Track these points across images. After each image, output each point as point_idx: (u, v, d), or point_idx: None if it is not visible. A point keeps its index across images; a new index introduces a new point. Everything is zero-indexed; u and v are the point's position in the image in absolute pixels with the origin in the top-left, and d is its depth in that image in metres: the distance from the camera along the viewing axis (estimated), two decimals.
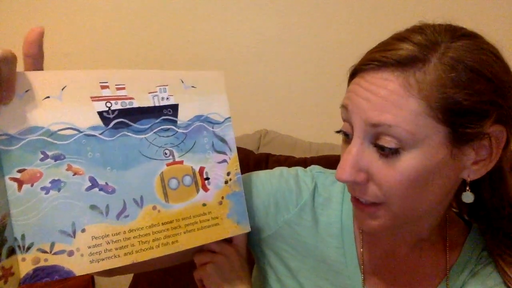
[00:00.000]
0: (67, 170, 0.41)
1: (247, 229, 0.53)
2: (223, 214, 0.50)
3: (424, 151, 0.43)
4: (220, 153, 0.51)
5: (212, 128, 0.51)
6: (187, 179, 0.48)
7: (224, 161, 0.51)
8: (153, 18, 1.35)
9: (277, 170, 0.63)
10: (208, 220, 0.49)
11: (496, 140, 0.45)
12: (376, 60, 0.44)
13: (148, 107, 0.46)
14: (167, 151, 0.47)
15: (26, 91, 0.40)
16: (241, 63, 1.32)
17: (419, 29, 0.46)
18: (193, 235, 0.47)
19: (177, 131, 0.48)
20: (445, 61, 0.42)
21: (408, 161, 0.43)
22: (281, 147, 1.19)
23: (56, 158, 0.41)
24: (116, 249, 0.43)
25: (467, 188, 0.48)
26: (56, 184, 0.40)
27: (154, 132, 0.46)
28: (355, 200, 0.49)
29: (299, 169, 0.63)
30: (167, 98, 0.48)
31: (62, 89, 0.41)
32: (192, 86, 0.50)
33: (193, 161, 0.49)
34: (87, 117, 0.42)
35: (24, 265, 0.39)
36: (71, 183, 0.41)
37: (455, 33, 0.45)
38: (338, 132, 0.50)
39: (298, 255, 0.59)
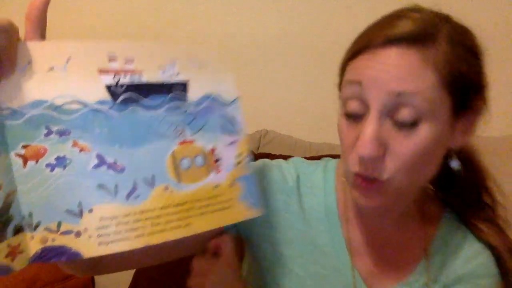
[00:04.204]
0: (72, 146, 0.39)
1: (260, 213, 0.50)
2: (235, 197, 0.47)
3: (436, 122, 0.46)
4: (230, 134, 0.48)
5: (221, 108, 0.48)
6: (199, 160, 0.46)
7: (234, 142, 0.49)
8: (153, 18, 1.34)
9: (260, 161, 0.63)
10: (221, 202, 0.46)
11: (477, 114, 0.51)
12: (386, 36, 0.46)
13: (158, 83, 0.44)
14: (178, 129, 0.44)
15: (28, 63, 0.37)
16: (241, 63, 1.31)
17: (414, 8, 0.50)
18: (206, 218, 0.45)
19: (188, 110, 0.45)
20: (450, 39, 0.46)
21: (424, 133, 0.46)
22: (281, 147, 1.19)
23: (61, 133, 0.38)
24: (126, 231, 0.40)
25: (453, 156, 0.53)
26: (61, 161, 0.38)
27: (164, 109, 0.44)
28: (359, 179, 0.49)
29: (281, 160, 0.64)
30: (177, 75, 0.45)
31: (67, 60, 0.39)
32: (201, 65, 0.47)
33: (204, 141, 0.46)
34: (94, 91, 0.40)
35: (33, 243, 0.37)
36: (77, 160, 0.39)
37: (443, 15, 0.49)
38: (346, 114, 0.49)
39: (288, 241, 0.59)
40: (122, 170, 0.41)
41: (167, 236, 0.42)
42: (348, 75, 0.50)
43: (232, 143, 0.48)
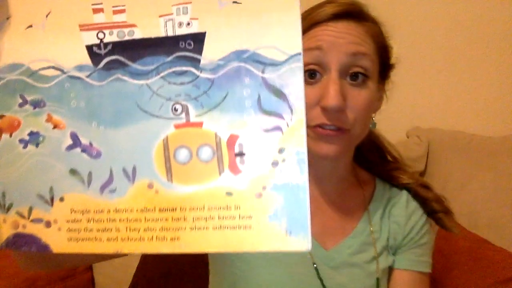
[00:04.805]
0: (46, 121, 0.33)
1: (305, 246, 0.31)
2: (261, 213, 0.31)
3: (373, 81, 0.55)
4: (271, 114, 0.31)
5: (262, 72, 0.31)
6: (206, 152, 0.31)
7: (277, 128, 0.31)
8: None
9: None
10: (233, 218, 0.31)
11: (386, 85, 0.62)
12: (334, 13, 0.54)
13: (157, 39, 0.31)
14: (178, 106, 0.31)
15: (7, 18, 0.32)
16: None
17: None
18: (203, 235, 0.31)
19: (199, 76, 0.31)
20: (374, 19, 0.57)
21: (370, 89, 0.54)
22: None
23: (36, 104, 0.33)
24: (98, 230, 0.32)
25: (373, 117, 0.61)
26: (35, 137, 0.33)
27: (162, 77, 0.31)
28: (322, 129, 0.53)
29: None
30: (188, 24, 0.31)
31: (47, 15, 0.32)
32: (234, 1, 0.31)
33: (220, 125, 0.31)
34: (73, 53, 0.32)
35: (5, 227, 0.34)
36: (51, 138, 0.33)
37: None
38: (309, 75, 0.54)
39: None
40: (98, 155, 0.32)
41: (143, 247, 0.32)
42: (305, 45, 0.57)
43: (273, 128, 0.31)
